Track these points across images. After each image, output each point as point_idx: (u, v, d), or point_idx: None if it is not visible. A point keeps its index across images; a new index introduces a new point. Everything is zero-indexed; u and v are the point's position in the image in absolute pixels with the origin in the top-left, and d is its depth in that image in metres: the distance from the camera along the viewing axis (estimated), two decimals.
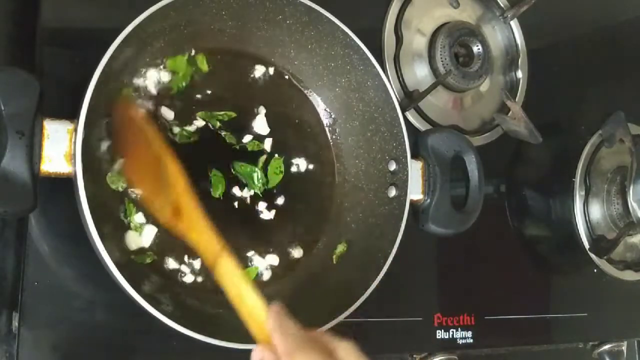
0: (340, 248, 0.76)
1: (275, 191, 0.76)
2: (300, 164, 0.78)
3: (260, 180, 0.74)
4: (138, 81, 0.70)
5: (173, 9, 0.64)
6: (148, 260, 0.68)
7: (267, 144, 0.76)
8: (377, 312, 0.79)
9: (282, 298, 0.73)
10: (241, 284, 0.53)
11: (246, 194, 0.74)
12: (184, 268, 0.70)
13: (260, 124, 0.76)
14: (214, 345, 0.59)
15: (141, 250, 0.68)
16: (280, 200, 0.76)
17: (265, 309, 0.51)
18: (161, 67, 0.71)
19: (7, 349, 0.66)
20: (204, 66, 0.74)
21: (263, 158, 0.75)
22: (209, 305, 0.69)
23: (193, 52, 0.73)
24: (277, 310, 0.51)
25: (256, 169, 0.74)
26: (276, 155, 0.76)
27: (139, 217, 0.68)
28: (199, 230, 0.57)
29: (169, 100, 0.72)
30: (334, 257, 0.76)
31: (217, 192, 0.72)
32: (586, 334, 0.99)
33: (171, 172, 0.59)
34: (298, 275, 0.76)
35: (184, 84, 0.72)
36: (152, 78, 0.71)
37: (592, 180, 0.96)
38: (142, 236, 0.68)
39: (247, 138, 0.75)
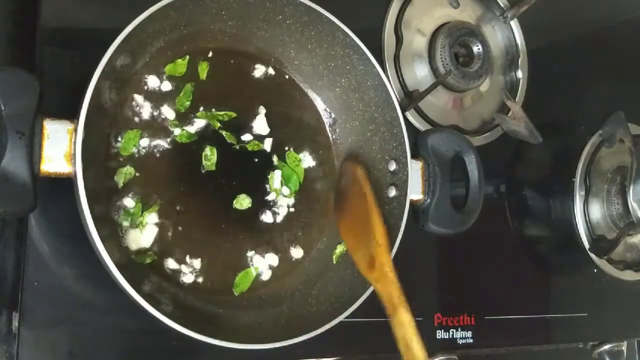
0: (340, 248, 0.76)
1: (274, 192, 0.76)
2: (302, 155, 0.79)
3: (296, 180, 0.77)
4: (139, 82, 0.70)
5: (173, 9, 0.64)
6: (148, 261, 0.68)
7: (267, 144, 0.76)
8: (377, 312, 0.79)
9: (282, 298, 0.73)
10: (411, 335, 0.60)
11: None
12: (184, 268, 0.70)
13: (260, 124, 0.76)
14: (214, 345, 0.59)
15: (141, 251, 0.68)
16: (280, 201, 0.76)
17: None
18: (163, 76, 0.72)
19: (7, 349, 0.66)
20: (203, 74, 0.74)
21: (275, 158, 0.76)
22: (209, 305, 0.69)
23: (197, 58, 0.73)
24: None
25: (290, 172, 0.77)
26: (287, 148, 0.77)
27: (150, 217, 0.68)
28: (386, 282, 0.65)
29: (169, 100, 0.72)
30: (334, 257, 0.76)
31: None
32: (586, 334, 0.99)
33: (376, 227, 0.68)
34: (298, 275, 0.76)
35: (187, 103, 0.72)
36: (154, 84, 0.71)
37: (592, 180, 0.96)
38: (142, 236, 0.68)
39: (246, 137, 0.75)
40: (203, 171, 0.72)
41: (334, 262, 0.76)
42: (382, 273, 0.65)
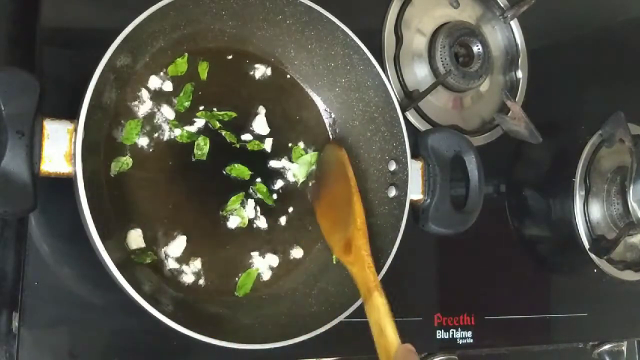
0: None
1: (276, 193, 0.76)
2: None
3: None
4: (139, 82, 0.70)
5: (173, 9, 0.64)
6: (148, 260, 0.68)
7: (267, 144, 0.76)
8: None
9: (282, 298, 0.73)
10: (385, 319, 0.59)
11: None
12: (184, 268, 0.70)
13: (260, 124, 0.76)
14: (214, 345, 0.59)
15: (141, 250, 0.68)
16: (280, 201, 0.76)
17: (397, 345, 0.57)
18: (162, 74, 0.72)
19: (7, 349, 0.66)
20: (204, 74, 0.74)
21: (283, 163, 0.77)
22: (209, 305, 0.69)
23: (197, 58, 0.73)
24: (408, 349, 0.56)
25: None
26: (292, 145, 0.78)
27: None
28: (362, 266, 0.64)
29: (169, 100, 0.72)
30: (334, 257, 0.76)
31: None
32: (586, 334, 0.99)
33: (355, 210, 0.68)
34: (298, 275, 0.76)
35: (187, 104, 0.72)
36: (155, 84, 0.71)
37: (592, 180, 0.96)
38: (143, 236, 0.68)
39: (246, 137, 0.75)
40: (193, 159, 0.72)
41: (334, 262, 0.76)
42: (358, 256, 0.65)
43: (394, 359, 0.56)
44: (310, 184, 0.77)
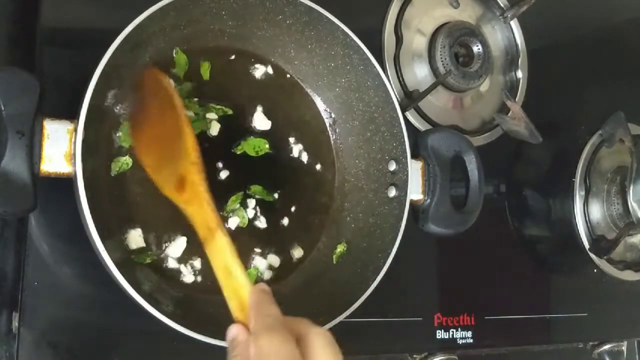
0: (340, 248, 0.76)
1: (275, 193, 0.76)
2: (302, 155, 0.79)
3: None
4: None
5: (173, 9, 0.64)
6: (148, 260, 0.68)
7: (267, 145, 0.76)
8: (377, 312, 0.79)
9: (282, 298, 0.73)
10: (232, 261, 0.54)
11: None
12: (183, 268, 0.70)
13: (260, 120, 0.76)
14: (214, 345, 0.59)
15: (141, 250, 0.68)
16: (280, 201, 0.76)
17: (249, 286, 0.52)
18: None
19: (7, 349, 0.66)
20: (206, 74, 0.74)
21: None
22: (209, 305, 0.69)
23: (198, 58, 0.73)
24: (261, 289, 0.52)
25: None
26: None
27: None
28: (200, 204, 0.57)
29: None
30: (334, 257, 0.76)
31: None
32: (586, 334, 0.99)
33: (187, 143, 0.60)
34: (298, 276, 0.76)
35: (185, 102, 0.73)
36: None
37: (592, 180, 0.96)
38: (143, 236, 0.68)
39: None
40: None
41: (334, 262, 0.76)
42: (194, 193, 0.58)
43: (249, 301, 0.51)
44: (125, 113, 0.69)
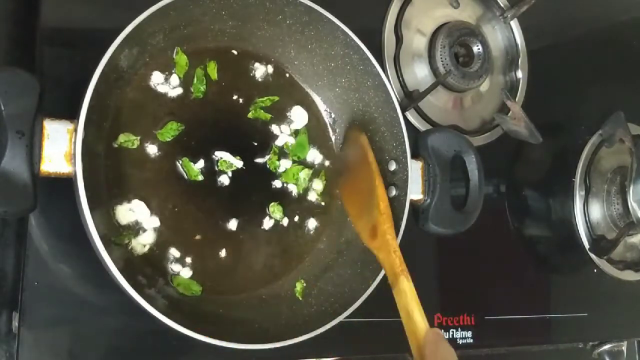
0: (340, 248, 0.76)
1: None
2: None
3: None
4: (140, 82, 0.70)
5: (173, 9, 0.64)
6: (125, 241, 0.67)
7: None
8: (377, 312, 0.79)
9: (282, 298, 0.73)
10: (413, 303, 0.59)
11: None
12: (184, 268, 0.70)
13: (299, 114, 0.78)
14: (214, 345, 0.59)
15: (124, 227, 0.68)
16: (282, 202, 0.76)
17: (425, 329, 0.57)
18: (164, 75, 0.72)
19: (7, 349, 0.66)
20: (214, 74, 0.74)
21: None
22: (209, 305, 0.69)
23: (204, 59, 0.74)
24: (437, 333, 0.57)
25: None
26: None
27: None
28: (388, 250, 0.64)
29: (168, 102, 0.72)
30: (334, 257, 0.76)
31: None
32: (586, 334, 0.99)
33: (378, 195, 0.68)
34: (298, 275, 0.76)
35: (203, 88, 0.73)
36: (158, 80, 0.71)
37: (592, 180, 0.96)
38: (144, 235, 0.68)
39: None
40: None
41: (334, 263, 0.76)
42: (384, 241, 0.65)
43: (424, 342, 0.56)
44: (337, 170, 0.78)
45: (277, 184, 0.76)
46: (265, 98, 0.76)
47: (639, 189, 0.91)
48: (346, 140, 0.78)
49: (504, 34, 0.98)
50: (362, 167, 0.72)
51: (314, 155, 0.79)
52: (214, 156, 0.73)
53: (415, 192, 0.74)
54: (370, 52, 0.73)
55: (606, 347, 0.99)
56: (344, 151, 0.78)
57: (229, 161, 0.73)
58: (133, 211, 0.68)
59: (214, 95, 0.74)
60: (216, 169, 0.73)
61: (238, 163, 0.73)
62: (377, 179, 0.69)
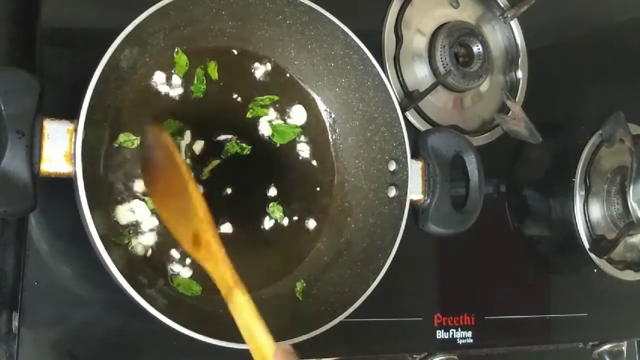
0: (340, 248, 0.76)
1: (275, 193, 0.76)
2: (304, 150, 0.79)
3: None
4: (139, 81, 0.70)
5: (173, 8, 0.64)
6: (125, 241, 0.67)
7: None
8: (377, 312, 0.79)
9: (282, 298, 0.73)
10: (252, 319, 0.53)
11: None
12: (184, 268, 0.70)
13: (298, 113, 0.78)
14: (214, 345, 0.59)
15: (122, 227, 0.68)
16: (280, 200, 0.76)
17: (273, 347, 0.51)
18: (163, 75, 0.72)
19: (7, 349, 0.66)
20: (215, 74, 0.74)
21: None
22: (209, 305, 0.69)
23: (205, 59, 0.74)
24: (284, 349, 0.51)
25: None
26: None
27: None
28: (215, 261, 0.57)
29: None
30: (334, 257, 0.76)
31: None
32: (586, 334, 0.99)
33: (194, 200, 0.60)
34: (298, 275, 0.76)
35: (203, 87, 0.73)
36: (159, 80, 0.71)
37: (592, 180, 0.96)
38: (145, 236, 0.68)
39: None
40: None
41: (334, 262, 0.76)
42: (209, 251, 0.58)
43: None
44: (140, 170, 0.69)
45: (274, 188, 0.76)
46: (265, 97, 0.76)
47: (639, 189, 0.91)
48: (147, 139, 0.68)
49: (504, 34, 0.98)
50: (170, 170, 0.62)
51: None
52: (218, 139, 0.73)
53: (415, 192, 0.74)
54: (370, 52, 0.73)
55: (606, 347, 0.99)
56: (147, 152, 0.67)
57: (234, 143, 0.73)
58: (133, 211, 0.68)
59: (214, 95, 0.74)
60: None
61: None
62: (191, 183, 0.60)
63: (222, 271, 0.56)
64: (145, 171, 0.68)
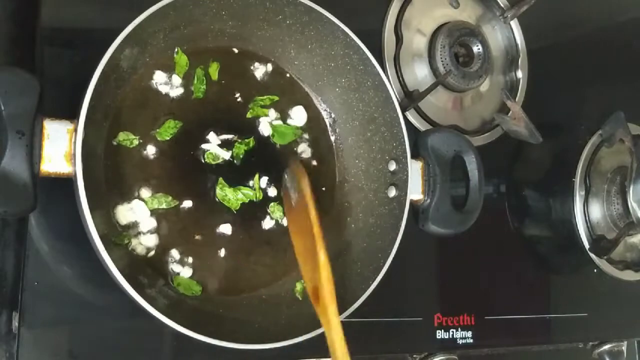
0: (340, 248, 0.76)
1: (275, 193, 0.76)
2: (304, 151, 0.79)
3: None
4: (139, 81, 0.70)
5: (173, 9, 0.64)
6: (125, 241, 0.67)
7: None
8: (377, 312, 0.79)
9: (282, 298, 0.73)
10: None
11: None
12: (184, 269, 0.70)
13: (299, 113, 0.78)
14: (214, 345, 0.59)
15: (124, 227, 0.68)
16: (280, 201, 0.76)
17: None
18: (163, 75, 0.72)
19: (7, 349, 0.66)
20: (215, 75, 0.74)
21: None
22: (209, 305, 0.69)
23: (207, 59, 0.74)
24: None
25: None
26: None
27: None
28: (328, 326, 0.58)
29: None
30: (334, 257, 0.76)
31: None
32: (586, 334, 0.99)
33: (320, 262, 0.60)
34: (298, 275, 0.75)
35: (203, 87, 0.73)
36: (160, 80, 0.71)
37: (592, 180, 0.96)
38: (145, 236, 0.68)
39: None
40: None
41: (334, 262, 0.76)
42: (324, 312, 0.59)
43: None
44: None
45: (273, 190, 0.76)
46: (265, 97, 0.76)
47: (639, 189, 0.91)
48: (290, 172, 0.69)
49: (504, 34, 0.98)
50: (304, 217, 0.63)
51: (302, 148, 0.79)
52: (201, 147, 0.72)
53: (415, 192, 0.74)
54: (370, 52, 0.73)
55: (606, 347, 0.99)
56: (288, 184, 0.69)
57: (215, 153, 0.72)
58: (133, 211, 0.68)
59: (214, 95, 0.74)
60: (203, 161, 0.72)
61: (225, 154, 0.73)
62: (319, 242, 0.60)
63: (332, 338, 0.58)
64: (285, 201, 0.70)
